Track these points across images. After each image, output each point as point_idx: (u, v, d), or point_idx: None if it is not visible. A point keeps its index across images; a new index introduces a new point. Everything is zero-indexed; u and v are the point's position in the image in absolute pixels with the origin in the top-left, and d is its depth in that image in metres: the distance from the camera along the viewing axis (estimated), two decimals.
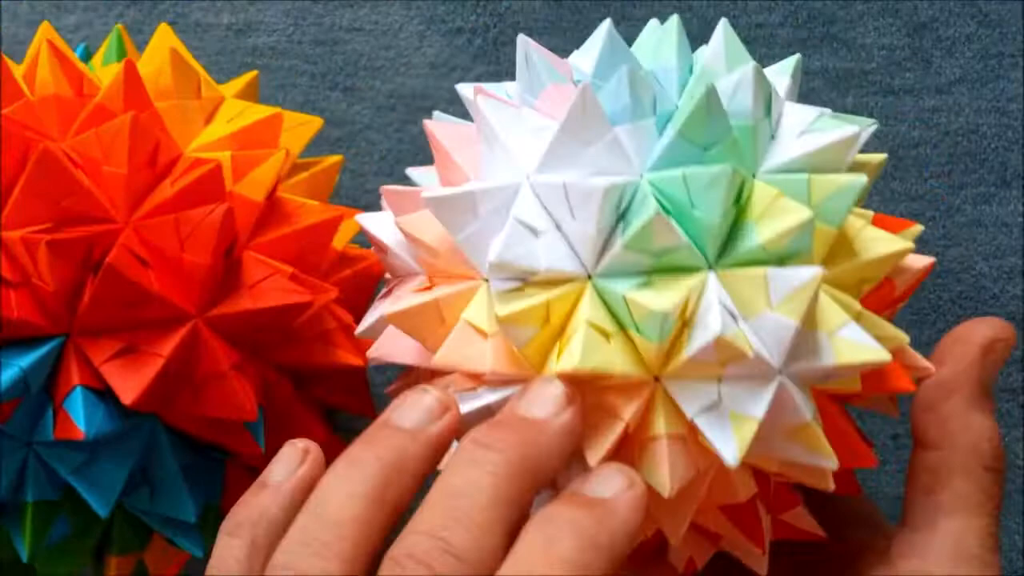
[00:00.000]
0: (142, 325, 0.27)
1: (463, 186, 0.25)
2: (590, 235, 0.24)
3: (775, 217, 0.24)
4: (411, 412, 0.23)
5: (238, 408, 0.28)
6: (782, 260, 0.24)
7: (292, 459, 0.24)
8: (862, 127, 0.27)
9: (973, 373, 0.27)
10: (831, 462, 0.24)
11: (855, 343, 0.24)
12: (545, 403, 0.23)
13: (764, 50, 0.41)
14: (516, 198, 0.24)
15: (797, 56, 0.29)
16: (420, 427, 0.23)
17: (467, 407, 0.25)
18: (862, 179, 0.25)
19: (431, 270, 0.27)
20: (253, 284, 0.28)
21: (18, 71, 0.29)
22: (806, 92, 0.41)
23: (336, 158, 0.34)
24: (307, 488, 0.23)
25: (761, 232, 0.24)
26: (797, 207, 0.24)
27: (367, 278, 0.33)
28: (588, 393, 0.24)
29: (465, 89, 0.28)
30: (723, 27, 0.27)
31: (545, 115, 0.26)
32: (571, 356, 0.23)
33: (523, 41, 0.27)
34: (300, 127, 0.33)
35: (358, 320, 0.30)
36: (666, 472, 0.24)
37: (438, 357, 0.25)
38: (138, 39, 0.42)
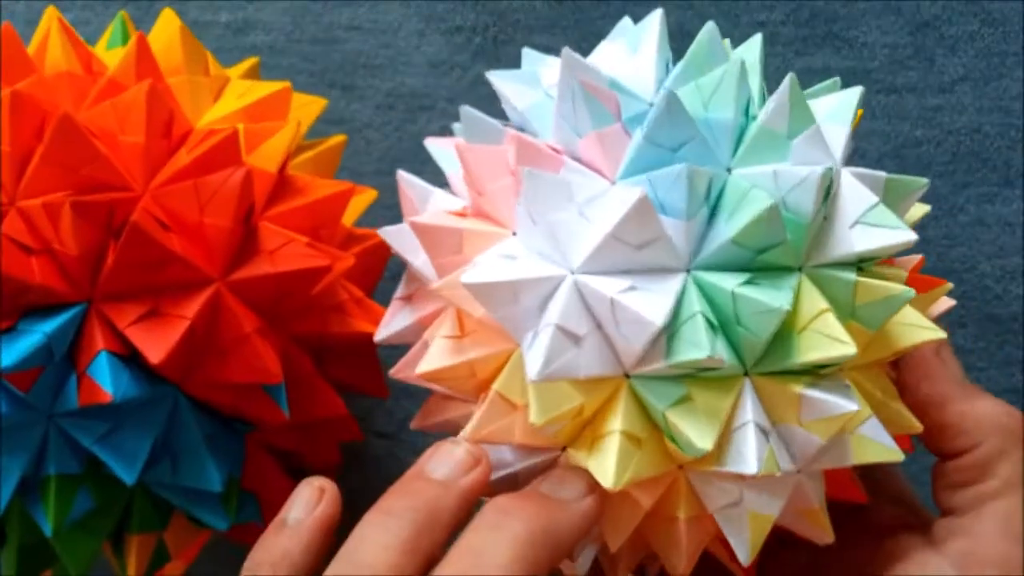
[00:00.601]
0: (165, 289, 0.27)
1: (505, 273, 0.24)
2: (635, 350, 0.24)
3: (817, 332, 0.24)
4: (444, 464, 0.24)
5: (262, 371, 0.28)
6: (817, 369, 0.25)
7: (310, 498, 0.25)
8: (916, 188, 0.26)
9: (946, 374, 0.27)
10: (829, 536, 0.27)
11: (872, 441, 0.25)
12: (571, 488, 0.24)
13: (766, 48, 0.41)
14: (557, 294, 0.24)
15: (859, 93, 0.27)
16: (452, 479, 0.24)
17: (494, 475, 0.26)
18: (910, 293, 0.25)
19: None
20: (272, 250, 0.28)
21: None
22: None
23: (340, 138, 0.34)
24: (325, 527, 0.24)
25: (802, 351, 0.24)
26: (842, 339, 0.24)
27: (375, 256, 0.33)
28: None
29: (510, 131, 0.27)
30: (789, 81, 0.25)
31: (590, 168, 0.25)
32: (605, 474, 0.24)
33: (570, 62, 0.25)
34: (305, 107, 0.33)
35: (367, 295, 0.30)
36: (683, 552, 0.26)
37: (470, 430, 0.25)
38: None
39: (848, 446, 0.25)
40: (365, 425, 0.40)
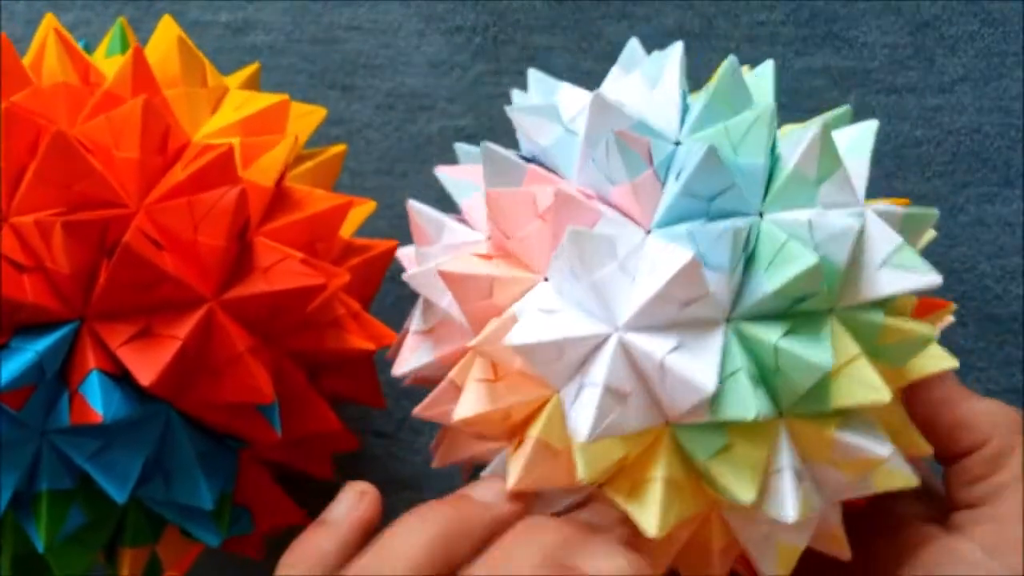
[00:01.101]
0: (157, 308, 0.27)
1: (550, 332, 0.24)
2: (680, 409, 0.24)
3: (851, 378, 0.25)
4: (489, 491, 0.26)
5: (254, 390, 0.28)
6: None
7: (350, 500, 0.26)
8: (930, 220, 0.27)
9: (951, 378, 0.28)
10: (847, 554, 0.28)
11: (893, 471, 0.26)
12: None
13: (766, 48, 0.41)
14: (602, 352, 0.24)
15: (875, 127, 0.28)
16: (493, 504, 0.25)
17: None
18: (933, 335, 0.26)
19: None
20: (267, 268, 0.28)
21: (24, 62, 0.29)
22: (808, 91, 0.41)
23: (339, 147, 0.34)
24: (363, 528, 0.25)
25: (838, 397, 0.25)
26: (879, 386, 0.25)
27: (373, 268, 0.33)
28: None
29: (537, 170, 0.27)
30: (821, 128, 0.25)
31: (622, 214, 0.25)
32: (649, 522, 0.24)
33: (600, 108, 0.25)
34: (304, 117, 0.33)
35: (365, 306, 0.30)
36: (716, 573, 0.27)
37: (515, 480, 0.26)
38: (137, 37, 0.42)
39: (872, 479, 0.26)
40: (363, 425, 0.40)
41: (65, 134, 0.26)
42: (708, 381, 0.23)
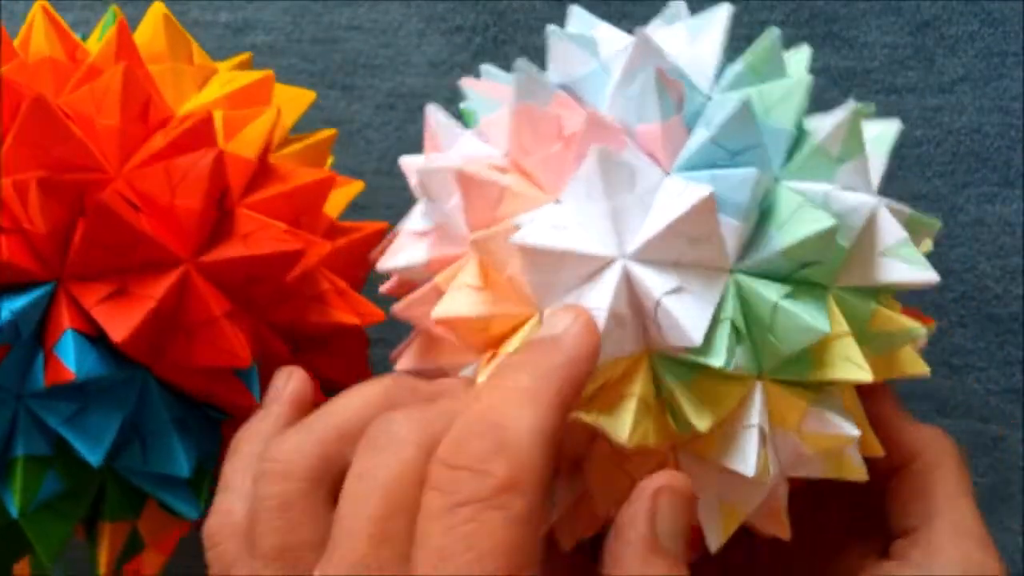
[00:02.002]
0: (133, 269, 0.27)
1: (557, 241, 0.24)
2: (665, 344, 0.24)
3: (837, 353, 0.25)
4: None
5: (230, 354, 0.28)
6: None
7: (279, 381, 0.26)
8: (933, 229, 0.28)
9: (890, 395, 0.29)
10: (786, 534, 0.28)
11: (847, 460, 0.27)
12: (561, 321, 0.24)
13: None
14: (604, 276, 0.24)
15: (897, 127, 0.28)
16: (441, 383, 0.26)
17: None
18: (921, 331, 0.26)
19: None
20: (246, 234, 0.28)
21: (14, 43, 0.30)
22: None
23: (329, 132, 0.34)
24: (296, 402, 0.26)
25: (819, 368, 0.25)
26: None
27: (359, 249, 0.33)
28: (610, 454, 0.26)
29: (562, 95, 0.27)
30: (853, 111, 0.26)
31: (646, 154, 0.26)
32: (621, 430, 0.24)
33: (645, 46, 0.25)
34: (293, 100, 0.33)
35: (354, 289, 0.30)
36: None
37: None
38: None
39: (826, 460, 0.26)
40: None
41: (44, 98, 0.26)
42: (696, 334, 0.24)
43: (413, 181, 0.30)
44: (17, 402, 0.28)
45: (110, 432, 0.28)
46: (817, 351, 0.25)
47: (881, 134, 0.28)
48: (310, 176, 0.30)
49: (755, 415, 0.25)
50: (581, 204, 0.25)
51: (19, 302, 0.26)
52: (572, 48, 0.27)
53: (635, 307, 0.24)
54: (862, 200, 0.25)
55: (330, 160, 0.36)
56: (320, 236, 0.31)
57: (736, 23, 0.42)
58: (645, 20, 0.42)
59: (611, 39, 0.28)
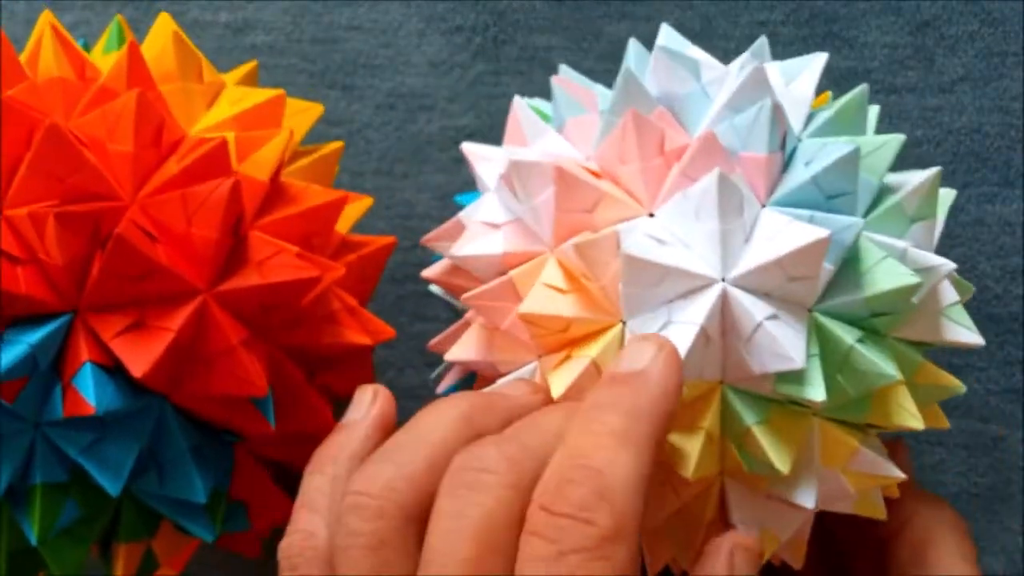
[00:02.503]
0: (151, 300, 0.27)
1: (662, 256, 0.25)
2: (754, 371, 0.25)
3: (891, 400, 0.26)
4: (515, 388, 0.26)
5: (247, 383, 0.27)
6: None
7: (365, 400, 0.27)
8: (968, 292, 0.29)
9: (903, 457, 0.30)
10: (799, 563, 0.28)
11: (872, 500, 0.28)
12: (644, 354, 0.24)
13: None
14: (704, 296, 0.25)
15: (954, 194, 0.31)
16: (519, 395, 0.26)
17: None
18: (963, 388, 0.28)
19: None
20: (261, 261, 0.28)
21: (20, 58, 0.29)
22: None
23: (337, 144, 0.34)
24: (382, 423, 0.26)
25: (872, 414, 0.26)
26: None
27: (371, 264, 0.33)
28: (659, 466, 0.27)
29: (664, 114, 0.27)
30: (934, 175, 0.28)
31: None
32: (687, 464, 0.25)
33: (761, 81, 0.26)
34: (301, 113, 0.33)
35: (362, 304, 0.30)
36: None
37: (559, 394, 0.26)
38: (136, 36, 0.42)
39: (860, 500, 0.27)
40: None
41: (59, 126, 0.26)
42: (798, 356, 0.24)
43: (478, 168, 0.30)
44: (35, 430, 0.28)
45: (128, 461, 0.28)
46: (877, 396, 0.26)
47: (941, 197, 0.30)
48: (323, 197, 0.30)
49: (815, 452, 0.26)
50: (688, 222, 0.25)
51: (37, 334, 0.26)
52: (676, 67, 0.27)
53: (725, 331, 0.25)
54: (937, 262, 0.26)
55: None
56: (332, 254, 0.31)
57: (735, 23, 0.42)
58: (646, 19, 0.42)
59: (708, 65, 0.28)
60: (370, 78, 0.42)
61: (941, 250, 0.41)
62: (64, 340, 0.27)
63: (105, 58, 0.32)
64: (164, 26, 0.32)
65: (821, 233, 0.24)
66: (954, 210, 0.40)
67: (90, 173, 0.26)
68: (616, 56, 0.41)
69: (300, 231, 0.29)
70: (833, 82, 0.41)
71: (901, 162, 0.41)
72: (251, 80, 0.35)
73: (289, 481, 0.33)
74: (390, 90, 0.42)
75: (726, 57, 0.35)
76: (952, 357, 0.40)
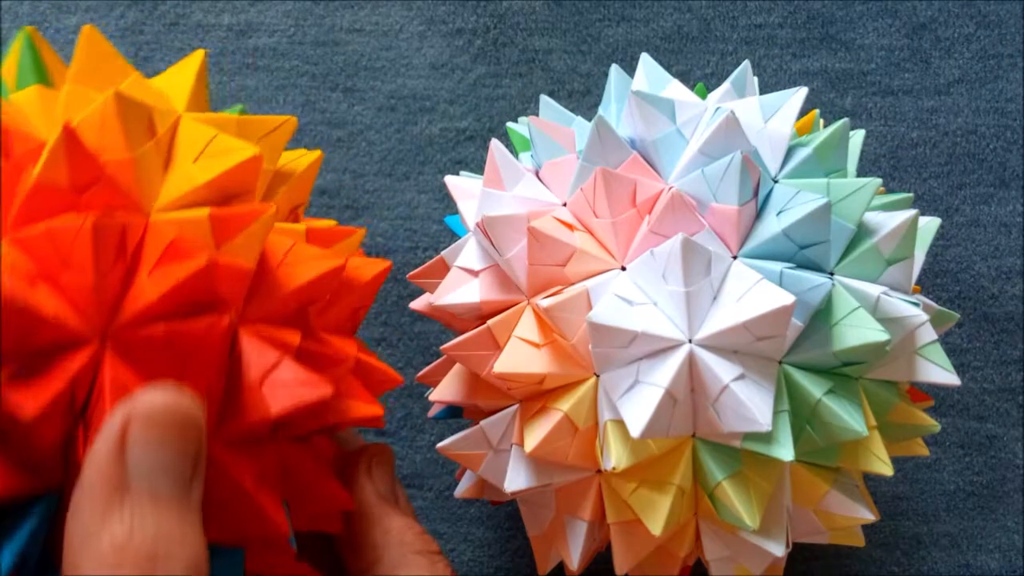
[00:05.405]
0: None
1: (629, 321, 0.25)
2: (720, 429, 0.25)
3: (863, 445, 0.27)
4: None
5: (269, 524, 0.24)
6: None
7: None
8: (951, 320, 0.29)
9: (371, 488, 0.27)
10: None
11: (856, 534, 0.29)
12: None
13: (763, 51, 0.41)
14: (671, 358, 0.25)
15: (937, 223, 0.30)
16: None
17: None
18: (937, 428, 0.28)
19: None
20: (259, 380, 0.24)
21: None
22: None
23: (314, 155, 0.29)
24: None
25: (843, 456, 0.27)
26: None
27: (367, 292, 0.29)
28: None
29: (639, 162, 0.28)
30: (911, 219, 0.27)
31: (717, 234, 0.27)
32: (655, 523, 0.26)
33: (733, 129, 0.26)
34: (272, 135, 0.28)
35: (355, 327, 0.28)
36: None
37: (534, 446, 0.26)
38: (139, 39, 0.42)
39: (828, 535, 0.28)
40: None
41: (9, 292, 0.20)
42: (764, 419, 0.24)
43: (460, 205, 0.30)
44: None
45: None
46: (847, 444, 0.26)
47: (922, 229, 0.29)
48: (315, 270, 0.25)
49: (785, 497, 0.26)
50: (654, 283, 0.25)
51: (19, 537, 0.21)
52: (651, 110, 0.27)
53: (694, 388, 0.25)
54: (911, 312, 0.26)
55: (332, 162, 0.34)
56: (324, 304, 0.27)
57: (733, 26, 0.42)
58: (644, 22, 0.42)
59: (685, 104, 0.28)
60: (371, 80, 0.42)
61: (937, 250, 0.41)
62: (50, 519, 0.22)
63: (21, 95, 0.25)
64: (105, 97, 0.23)
65: (787, 299, 0.24)
66: (950, 211, 0.41)
67: (47, 323, 0.20)
68: (615, 59, 0.41)
69: (293, 308, 0.25)
70: (830, 84, 0.41)
71: (897, 163, 0.42)
72: (200, 84, 0.28)
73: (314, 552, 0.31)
74: (391, 92, 0.42)
75: (723, 59, 0.35)
76: (948, 356, 0.40)
